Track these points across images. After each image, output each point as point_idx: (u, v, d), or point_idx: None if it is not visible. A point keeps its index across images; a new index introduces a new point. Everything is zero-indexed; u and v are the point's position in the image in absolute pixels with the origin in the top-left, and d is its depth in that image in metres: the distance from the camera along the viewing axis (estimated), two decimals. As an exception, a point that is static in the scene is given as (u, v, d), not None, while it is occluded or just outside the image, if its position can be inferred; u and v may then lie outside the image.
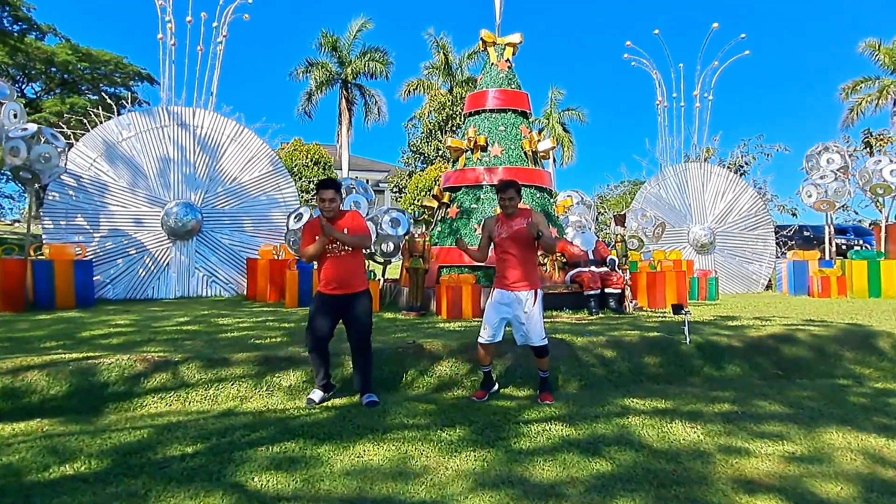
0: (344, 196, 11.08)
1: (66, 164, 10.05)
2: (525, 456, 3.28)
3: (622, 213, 12.79)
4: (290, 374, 4.68)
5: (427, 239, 8.63)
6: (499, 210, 4.55)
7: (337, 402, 4.42)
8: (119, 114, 11.66)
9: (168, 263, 11.18)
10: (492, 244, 4.48)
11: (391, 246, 9.48)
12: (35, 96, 25.22)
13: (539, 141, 9.89)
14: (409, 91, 32.46)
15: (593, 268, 8.33)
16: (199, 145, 11.68)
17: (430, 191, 20.55)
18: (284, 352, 5.00)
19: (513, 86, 9.89)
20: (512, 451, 3.36)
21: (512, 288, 4.30)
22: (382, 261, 9.99)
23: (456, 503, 2.76)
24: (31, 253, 9.19)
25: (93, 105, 16.80)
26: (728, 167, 16.34)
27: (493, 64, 10.02)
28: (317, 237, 4.25)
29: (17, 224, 30.80)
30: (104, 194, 10.98)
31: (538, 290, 4.34)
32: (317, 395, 4.36)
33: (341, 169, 30.22)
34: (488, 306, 4.41)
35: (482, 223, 4.78)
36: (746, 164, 21.80)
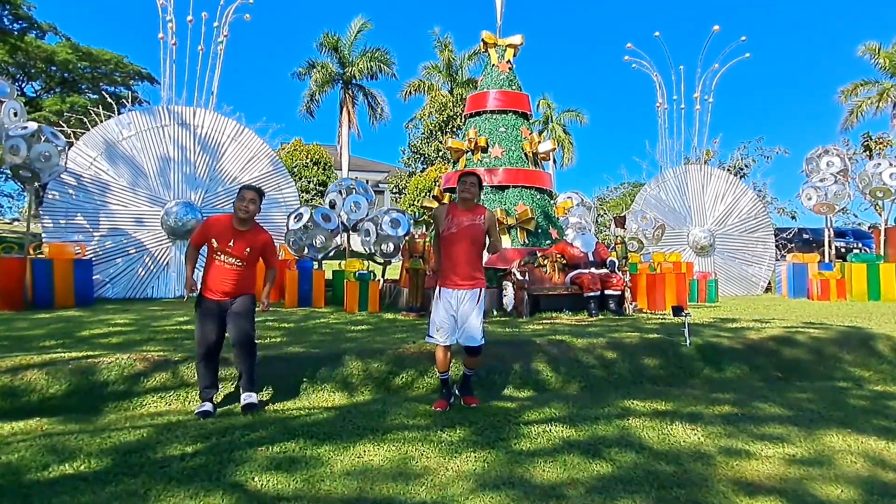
0: (344, 197, 11.08)
1: (65, 163, 10.04)
2: (526, 457, 3.28)
3: (622, 214, 12.80)
4: (290, 374, 4.67)
5: (427, 240, 8.63)
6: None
7: (336, 402, 4.42)
8: (119, 113, 11.66)
9: (168, 263, 11.17)
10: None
11: (391, 246, 9.48)
12: (35, 95, 25.20)
13: (539, 142, 9.90)
14: (410, 92, 32.50)
15: (593, 269, 8.33)
16: (199, 145, 11.67)
17: (430, 192, 20.55)
18: (284, 352, 4.99)
19: (513, 87, 9.90)
20: (512, 452, 3.36)
21: (458, 286, 4.09)
22: (382, 261, 9.99)
23: (456, 504, 2.75)
24: (31, 252, 9.18)
25: (93, 104, 16.79)
26: (728, 169, 16.36)
27: (493, 65, 10.03)
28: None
29: (16, 223, 30.74)
30: (104, 193, 10.97)
31: (483, 289, 4.19)
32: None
33: (341, 169, 30.23)
34: (436, 306, 4.16)
35: (434, 212, 4.46)
36: (746, 166, 21.84)
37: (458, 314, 4.09)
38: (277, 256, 4.32)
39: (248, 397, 4.15)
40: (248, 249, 4.13)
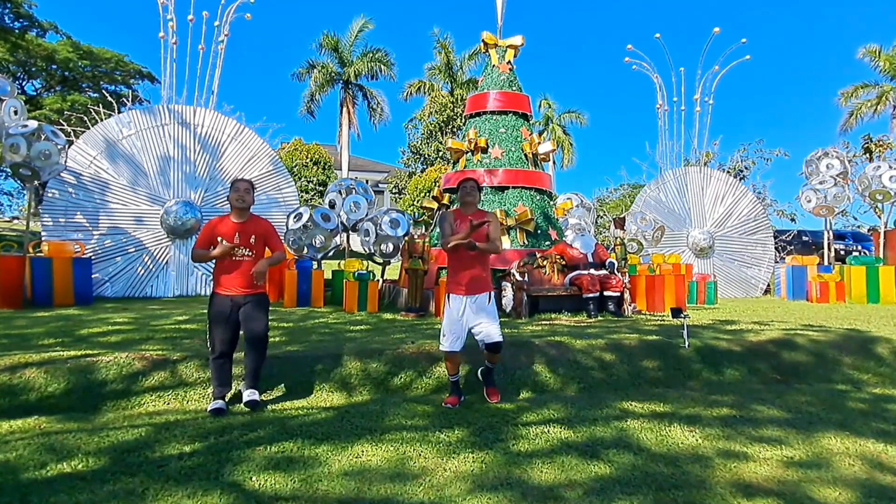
0: (343, 197, 11.08)
1: (65, 162, 10.05)
2: (523, 458, 3.28)
3: (622, 216, 12.81)
4: (289, 374, 4.67)
5: (426, 240, 8.63)
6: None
7: (335, 402, 4.42)
8: (120, 112, 11.66)
9: (167, 262, 11.17)
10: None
11: (390, 246, 9.48)
12: (35, 93, 25.18)
13: (539, 143, 9.91)
14: (411, 92, 32.50)
15: (592, 271, 8.33)
16: (199, 144, 11.68)
17: (429, 192, 20.55)
18: (282, 351, 4.99)
19: (514, 88, 9.90)
20: (510, 453, 3.36)
21: (470, 292, 4.19)
22: (382, 261, 9.99)
23: (454, 505, 2.75)
24: (30, 250, 9.17)
25: (93, 103, 16.79)
26: (728, 171, 16.38)
27: (494, 66, 10.03)
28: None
29: (16, 221, 30.74)
30: (104, 192, 10.97)
31: (492, 292, 4.33)
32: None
33: (341, 169, 30.23)
34: (448, 312, 4.24)
35: (440, 217, 4.60)
36: (746, 168, 21.82)
37: (471, 319, 4.19)
38: (281, 241, 4.43)
39: (251, 394, 4.21)
40: (253, 238, 4.23)
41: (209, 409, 4.05)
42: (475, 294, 4.21)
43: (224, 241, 4.17)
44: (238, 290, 4.20)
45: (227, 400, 4.20)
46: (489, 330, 4.20)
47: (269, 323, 4.41)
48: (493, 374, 4.57)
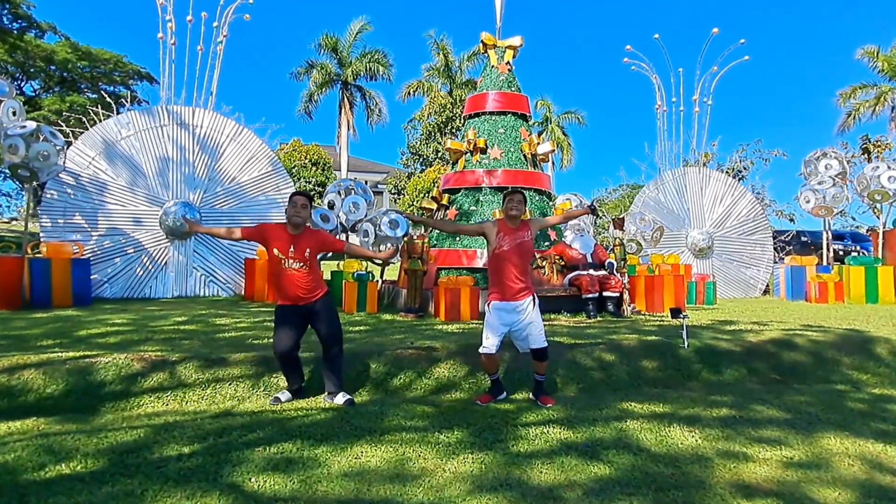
0: (342, 198, 11.10)
1: (64, 163, 10.02)
2: (523, 459, 3.28)
3: (621, 216, 12.81)
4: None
5: (426, 241, 8.63)
6: (498, 215, 4.55)
7: (334, 402, 4.41)
8: (118, 112, 11.64)
9: (166, 263, 11.16)
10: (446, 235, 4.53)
11: (390, 247, 9.47)
12: (34, 94, 25.14)
13: (538, 144, 9.91)
14: (409, 93, 32.50)
15: (592, 271, 8.33)
16: (198, 145, 11.66)
17: (429, 193, 20.55)
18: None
19: (513, 88, 9.90)
20: (510, 453, 3.36)
21: (513, 298, 4.28)
22: (381, 262, 9.98)
23: (454, 506, 2.75)
24: (29, 251, 9.16)
25: (92, 103, 16.75)
26: (726, 172, 16.38)
27: (493, 66, 10.03)
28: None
29: (14, 222, 30.71)
30: (102, 193, 10.95)
31: (534, 295, 4.39)
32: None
33: (340, 170, 30.23)
34: (490, 318, 4.34)
35: (481, 223, 4.88)
36: (745, 168, 21.83)
37: (516, 325, 4.29)
38: (339, 239, 4.65)
39: (343, 396, 4.36)
40: (307, 251, 4.31)
41: (273, 399, 4.35)
42: (519, 300, 4.28)
43: (204, 230, 4.64)
44: (298, 301, 4.31)
45: (293, 391, 4.44)
46: (534, 335, 4.29)
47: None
48: (542, 385, 4.55)
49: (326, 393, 4.44)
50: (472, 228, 4.59)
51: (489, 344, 4.30)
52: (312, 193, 24.50)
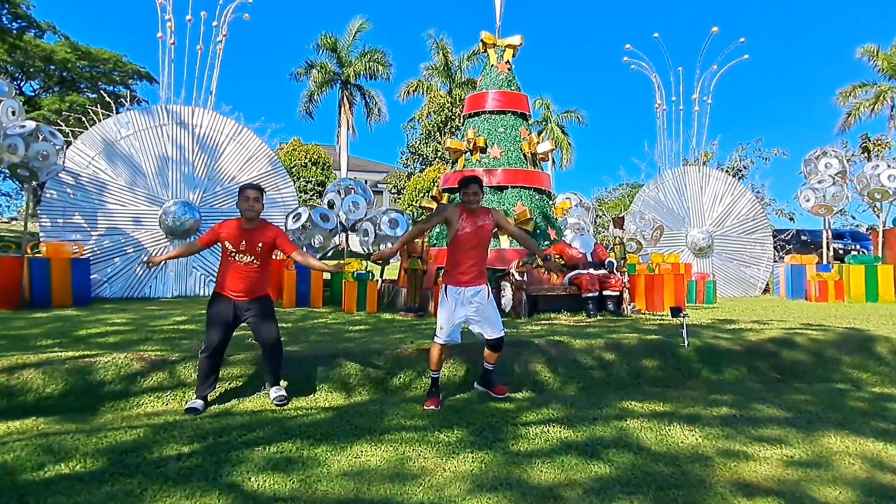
0: (342, 197, 11.08)
1: (64, 162, 10.02)
2: (523, 458, 3.27)
3: (621, 215, 12.81)
4: (288, 374, 4.66)
5: (425, 240, 8.63)
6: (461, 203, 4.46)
7: (334, 402, 4.41)
8: (118, 112, 11.64)
9: (165, 263, 11.15)
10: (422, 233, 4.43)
11: (390, 246, 9.46)
12: (33, 94, 25.13)
13: (538, 143, 9.90)
14: (409, 92, 32.49)
15: (592, 270, 8.32)
16: (197, 144, 11.66)
17: (428, 192, 20.54)
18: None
19: (512, 88, 9.89)
20: (510, 453, 3.35)
21: (470, 283, 4.25)
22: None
23: (454, 505, 2.74)
24: (28, 251, 9.15)
25: (92, 103, 16.74)
26: (726, 171, 16.38)
27: (492, 66, 10.02)
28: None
29: (14, 222, 30.70)
30: (102, 193, 10.95)
31: (487, 285, 4.38)
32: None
33: (340, 169, 30.21)
34: (447, 304, 4.26)
35: (438, 210, 4.82)
36: (745, 167, 21.84)
37: (473, 311, 4.24)
38: (292, 243, 4.44)
39: (277, 390, 4.34)
40: (260, 245, 4.23)
41: (186, 407, 4.07)
42: (473, 286, 4.25)
43: (164, 259, 4.48)
44: (238, 296, 4.23)
45: (207, 401, 4.21)
46: (491, 320, 4.27)
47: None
48: (492, 375, 4.58)
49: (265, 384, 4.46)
50: (435, 219, 4.50)
51: (443, 334, 4.23)
52: (312, 193, 24.51)
